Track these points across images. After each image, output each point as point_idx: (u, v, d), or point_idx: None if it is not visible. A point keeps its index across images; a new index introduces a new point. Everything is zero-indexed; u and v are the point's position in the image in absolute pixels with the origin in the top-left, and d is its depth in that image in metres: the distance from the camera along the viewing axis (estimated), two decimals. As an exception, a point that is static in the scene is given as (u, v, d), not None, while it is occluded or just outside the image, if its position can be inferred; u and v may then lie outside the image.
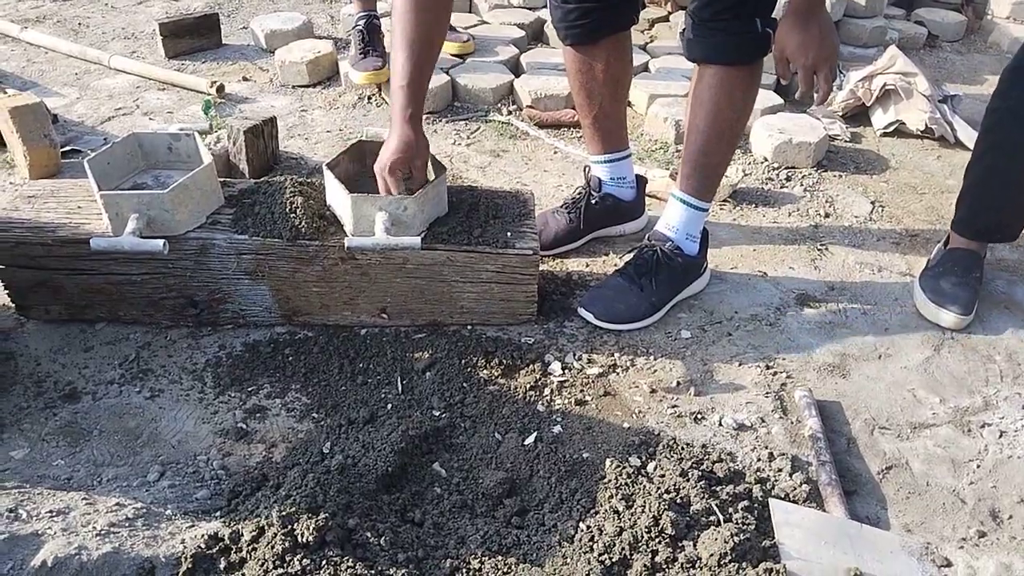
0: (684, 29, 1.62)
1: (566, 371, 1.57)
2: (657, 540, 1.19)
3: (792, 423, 1.49)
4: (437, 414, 1.45)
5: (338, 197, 1.56)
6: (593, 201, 1.91)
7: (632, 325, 1.68)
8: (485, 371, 1.55)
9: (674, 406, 1.51)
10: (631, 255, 1.77)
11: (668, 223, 1.74)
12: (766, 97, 2.57)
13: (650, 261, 1.71)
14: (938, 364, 1.66)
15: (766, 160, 2.37)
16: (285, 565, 1.08)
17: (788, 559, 1.19)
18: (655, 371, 1.59)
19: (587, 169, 1.97)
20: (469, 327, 1.66)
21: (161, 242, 1.43)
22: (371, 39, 2.63)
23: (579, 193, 1.94)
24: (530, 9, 3.27)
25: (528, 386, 1.53)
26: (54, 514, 1.19)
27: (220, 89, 2.59)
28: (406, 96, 1.51)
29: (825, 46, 1.47)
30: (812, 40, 1.46)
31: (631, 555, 1.17)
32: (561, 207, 1.94)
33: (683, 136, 2.45)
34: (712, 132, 1.64)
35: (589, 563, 1.16)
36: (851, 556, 1.21)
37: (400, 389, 1.51)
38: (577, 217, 1.91)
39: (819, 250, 1.99)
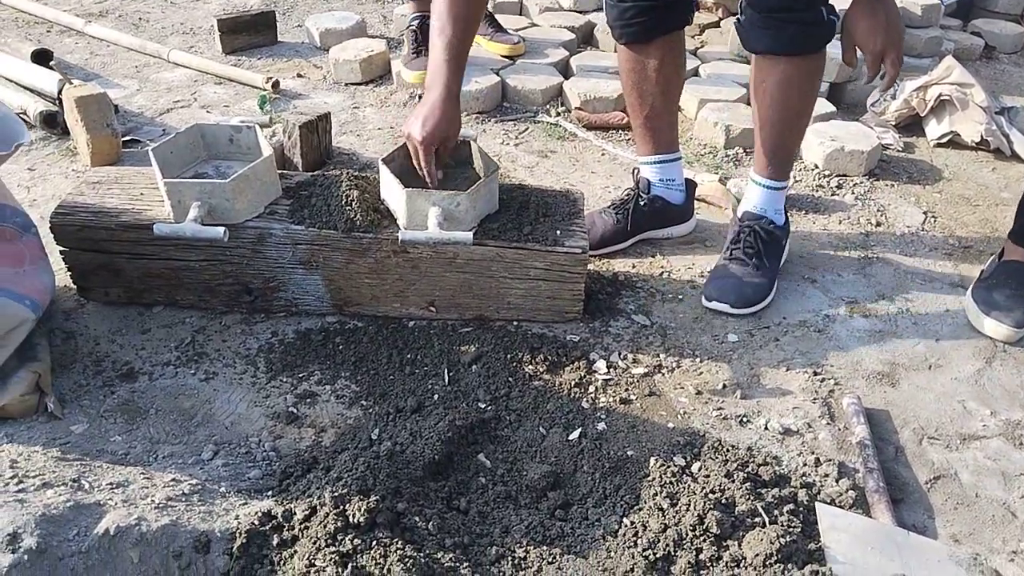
0: (741, 19, 1.63)
1: (611, 370, 1.58)
2: (702, 538, 1.19)
3: (839, 430, 1.48)
4: (483, 406, 1.47)
5: (393, 191, 1.58)
6: (642, 203, 1.91)
7: (761, 305, 1.75)
8: (530, 367, 1.56)
9: (719, 408, 1.51)
10: (730, 240, 1.82)
11: (755, 204, 1.81)
12: (819, 104, 2.54)
13: (756, 241, 1.78)
14: (989, 376, 1.63)
15: (817, 167, 2.35)
16: (337, 544, 1.10)
17: (834, 563, 1.18)
18: (701, 373, 1.59)
19: (636, 171, 1.97)
20: (515, 323, 1.67)
21: (221, 230, 1.47)
22: (424, 39, 2.66)
23: (627, 194, 1.95)
24: (580, 12, 3.28)
25: (573, 383, 1.54)
26: (114, 486, 1.22)
27: (275, 85, 2.65)
28: (451, 70, 1.52)
29: (892, 31, 1.50)
30: (879, 25, 1.49)
31: (675, 552, 1.18)
32: (609, 207, 1.94)
33: (732, 141, 2.46)
34: (784, 123, 1.71)
35: (633, 557, 1.16)
36: (898, 563, 1.20)
37: (447, 381, 1.53)
38: (625, 218, 1.91)
39: (869, 258, 1.97)
